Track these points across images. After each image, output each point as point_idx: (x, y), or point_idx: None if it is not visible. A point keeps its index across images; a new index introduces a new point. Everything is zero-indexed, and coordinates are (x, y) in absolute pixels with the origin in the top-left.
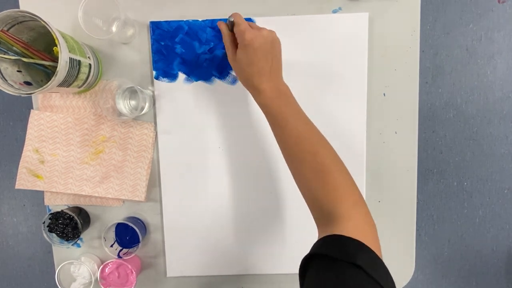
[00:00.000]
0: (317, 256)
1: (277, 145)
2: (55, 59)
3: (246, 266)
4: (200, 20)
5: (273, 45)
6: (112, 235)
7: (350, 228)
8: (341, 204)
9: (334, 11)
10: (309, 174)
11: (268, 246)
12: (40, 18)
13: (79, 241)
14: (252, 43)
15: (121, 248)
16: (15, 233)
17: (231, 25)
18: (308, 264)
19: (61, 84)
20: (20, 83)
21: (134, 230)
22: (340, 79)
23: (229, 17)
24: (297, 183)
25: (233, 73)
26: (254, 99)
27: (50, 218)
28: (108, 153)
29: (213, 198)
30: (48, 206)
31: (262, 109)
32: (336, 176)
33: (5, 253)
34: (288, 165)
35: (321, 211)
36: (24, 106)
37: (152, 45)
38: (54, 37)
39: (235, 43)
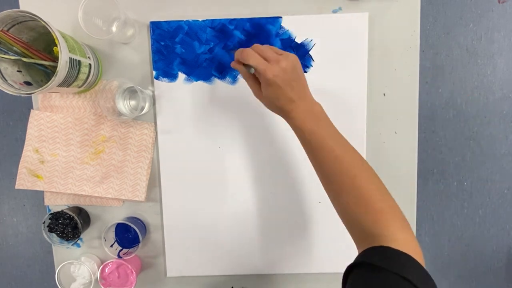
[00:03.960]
0: (363, 264)
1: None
2: (55, 59)
3: (246, 266)
4: (200, 20)
5: (294, 71)
6: (112, 235)
7: (400, 247)
8: (387, 228)
9: (334, 11)
10: (348, 198)
11: (268, 246)
12: (40, 18)
13: (79, 241)
14: (275, 80)
15: (121, 248)
16: (15, 233)
17: (247, 69)
18: (351, 272)
19: (61, 84)
20: (20, 83)
21: (134, 230)
22: (340, 79)
23: (247, 66)
24: (334, 204)
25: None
26: (288, 122)
27: (50, 218)
28: (108, 153)
29: (213, 198)
30: (48, 206)
31: (296, 133)
32: (379, 199)
33: (5, 253)
34: (324, 187)
35: (363, 232)
36: (24, 106)
37: (152, 45)
38: (54, 37)
39: (256, 80)
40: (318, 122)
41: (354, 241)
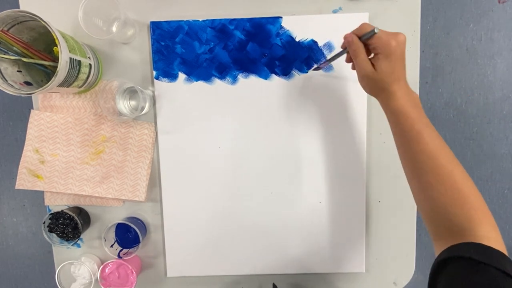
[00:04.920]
0: (457, 259)
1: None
2: (55, 59)
3: (246, 266)
4: (200, 20)
5: (404, 49)
6: (112, 235)
7: (492, 245)
8: (481, 225)
9: (334, 11)
10: (444, 190)
11: (267, 246)
12: (40, 18)
13: (79, 241)
14: (397, 50)
15: (121, 248)
16: (15, 233)
17: (369, 35)
18: (445, 267)
19: (61, 84)
20: (20, 83)
21: (134, 230)
22: (340, 79)
23: (372, 30)
24: (421, 195)
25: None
26: (385, 104)
27: (50, 218)
28: (108, 153)
29: (213, 198)
30: (48, 206)
31: (392, 116)
32: (475, 197)
33: (5, 253)
34: (413, 177)
35: (453, 227)
36: (24, 106)
37: (152, 45)
38: (54, 37)
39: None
40: (418, 109)
41: (436, 235)
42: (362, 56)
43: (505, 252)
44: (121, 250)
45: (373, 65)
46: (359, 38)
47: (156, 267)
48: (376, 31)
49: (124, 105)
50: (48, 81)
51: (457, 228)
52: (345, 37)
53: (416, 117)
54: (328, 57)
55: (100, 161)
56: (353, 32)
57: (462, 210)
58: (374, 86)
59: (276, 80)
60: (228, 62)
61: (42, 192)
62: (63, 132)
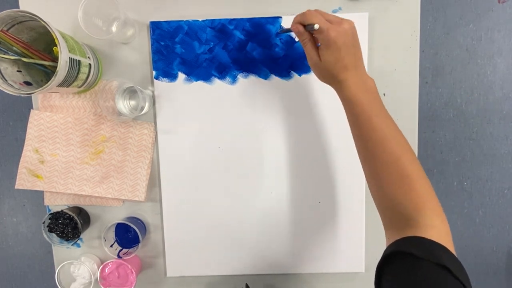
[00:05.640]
0: (400, 254)
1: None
2: (55, 59)
3: (246, 266)
4: (200, 20)
5: (354, 37)
6: (112, 235)
7: (434, 236)
8: (425, 212)
9: (334, 11)
10: (391, 177)
11: (268, 246)
12: (40, 18)
13: (79, 241)
14: (336, 41)
15: (121, 248)
16: (15, 233)
17: (309, 29)
18: (388, 262)
19: (61, 84)
20: (20, 83)
21: (134, 230)
22: None
23: (309, 25)
24: (372, 183)
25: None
26: (338, 93)
27: (50, 218)
28: (108, 153)
29: (213, 198)
30: (48, 206)
31: (345, 104)
32: (421, 183)
33: (5, 253)
34: (364, 164)
35: (399, 215)
36: (24, 106)
37: (152, 45)
38: (54, 37)
39: (315, 45)
40: (370, 96)
41: (386, 224)
42: (308, 46)
43: (449, 237)
44: (121, 250)
45: (319, 54)
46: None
47: (156, 267)
48: (315, 27)
49: (124, 105)
50: (48, 81)
51: (403, 217)
52: (293, 27)
53: (367, 104)
54: (281, 29)
55: (99, 161)
56: (299, 20)
57: (407, 199)
58: (323, 75)
59: (275, 80)
60: (228, 62)
61: (42, 192)
62: (63, 132)
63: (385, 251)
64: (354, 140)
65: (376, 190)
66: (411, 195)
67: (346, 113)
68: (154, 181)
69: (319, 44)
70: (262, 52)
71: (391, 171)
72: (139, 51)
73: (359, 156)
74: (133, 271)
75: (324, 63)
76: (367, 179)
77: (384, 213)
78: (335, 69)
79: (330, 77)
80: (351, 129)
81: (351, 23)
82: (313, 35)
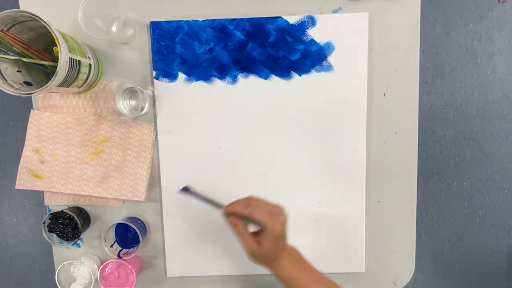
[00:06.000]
0: None
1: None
2: (55, 59)
3: (246, 266)
4: (200, 20)
5: (286, 224)
6: (112, 235)
7: None
8: None
9: (334, 11)
10: None
11: None
12: (40, 18)
13: (79, 241)
14: (280, 233)
15: (121, 248)
16: (15, 233)
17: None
18: None
19: (61, 84)
20: (20, 83)
21: (134, 230)
22: (340, 79)
23: (252, 220)
24: None
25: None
26: (274, 272)
27: (50, 218)
28: (108, 153)
29: (213, 198)
30: (48, 206)
31: (283, 281)
32: None
33: (5, 253)
34: None
35: None
36: (24, 106)
37: (152, 45)
38: (54, 37)
39: (251, 234)
40: (303, 269)
41: None
42: (246, 236)
43: None
44: (121, 250)
45: (257, 241)
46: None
47: (156, 267)
48: (256, 225)
49: (124, 105)
50: (48, 81)
51: None
52: (227, 220)
53: (303, 277)
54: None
55: (100, 161)
56: (233, 210)
57: None
58: (261, 259)
59: (275, 80)
60: (228, 62)
61: (42, 192)
62: (63, 132)
63: None
64: None
65: None
66: None
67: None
68: (154, 181)
69: (257, 229)
70: (262, 52)
71: None
72: (139, 51)
73: None
74: (133, 271)
75: (265, 249)
76: None
77: None
78: (274, 252)
79: (267, 261)
80: None
81: (284, 211)
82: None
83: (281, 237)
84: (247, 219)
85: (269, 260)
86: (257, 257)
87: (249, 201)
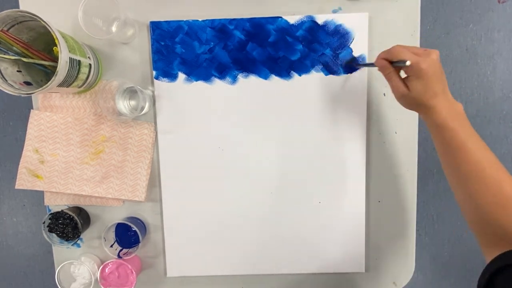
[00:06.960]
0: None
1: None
2: (55, 59)
3: (246, 266)
4: (200, 20)
5: (440, 65)
6: (112, 235)
7: None
8: None
9: (334, 11)
10: (490, 198)
11: (268, 246)
12: (40, 18)
13: (79, 241)
14: (427, 72)
15: (121, 248)
16: (15, 233)
17: (399, 65)
18: (498, 275)
19: (61, 84)
20: (20, 83)
21: (134, 230)
22: (340, 79)
23: (403, 61)
24: (467, 204)
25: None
26: (426, 119)
27: (50, 218)
28: (108, 153)
29: (213, 198)
30: (48, 206)
31: (434, 130)
32: None
33: (5, 253)
34: (458, 187)
35: (499, 234)
36: (24, 106)
37: (152, 45)
38: (54, 37)
39: (400, 78)
40: (460, 121)
41: (484, 243)
42: (395, 79)
43: None
44: (121, 250)
45: (406, 85)
46: (391, 62)
47: (156, 267)
48: (407, 63)
49: (124, 105)
50: (48, 81)
51: (505, 234)
52: (377, 63)
53: (458, 128)
54: (363, 62)
55: (99, 161)
56: (385, 56)
57: (508, 217)
58: (411, 104)
59: (275, 80)
60: (228, 62)
61: (42, 192)
62: (63, 132)
63: (489, 267)
64: (444, 162)
65: (474, 211)
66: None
67: (435, 138)
68: (154, 181)
69: (406, 75)
70: (262, 52)
71: (492, 192)
72: (139, 51)
73: (449, 177)
74: (133, 271)
75: (413, 93)
76: (460, 200)
77: (483, 232)
78: (425, 97)
79: (418, 105)
80: (441, 153)
81: (437, 53)
82: (401, 69)
83: (431, 76)
84: (397, 64)
85: (419, 104)
86: (406, 100)
87: (395, 46)
